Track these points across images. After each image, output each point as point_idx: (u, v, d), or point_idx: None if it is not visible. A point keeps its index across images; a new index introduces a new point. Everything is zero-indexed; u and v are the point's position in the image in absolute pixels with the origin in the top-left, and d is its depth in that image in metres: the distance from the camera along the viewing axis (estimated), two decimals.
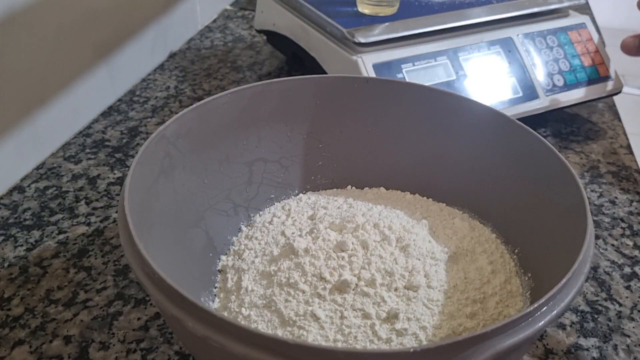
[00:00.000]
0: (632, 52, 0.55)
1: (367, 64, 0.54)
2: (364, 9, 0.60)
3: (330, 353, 0.24)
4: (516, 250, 0.41)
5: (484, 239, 0.42)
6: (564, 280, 0.28)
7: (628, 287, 0.46)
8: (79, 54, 0.59)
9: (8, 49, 0.49)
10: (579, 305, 0.44)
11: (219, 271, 0.41)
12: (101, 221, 0.49)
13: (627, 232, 0.51)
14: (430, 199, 0.46)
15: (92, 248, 0.47)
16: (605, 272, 0.47)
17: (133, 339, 0.39)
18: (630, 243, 0.50)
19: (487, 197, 0.44)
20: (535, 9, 0.64)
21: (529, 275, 0.39)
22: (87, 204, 0.51)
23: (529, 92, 0.59)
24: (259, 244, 0.41)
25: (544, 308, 0.28)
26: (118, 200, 0.52)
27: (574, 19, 0.65)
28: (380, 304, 0.35)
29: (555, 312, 0.28)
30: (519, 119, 0.41)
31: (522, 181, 0.41)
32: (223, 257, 0.41)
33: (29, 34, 0.51)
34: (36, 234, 0.48)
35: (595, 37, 0.65)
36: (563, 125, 0.66)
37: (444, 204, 0.46)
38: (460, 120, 0.44)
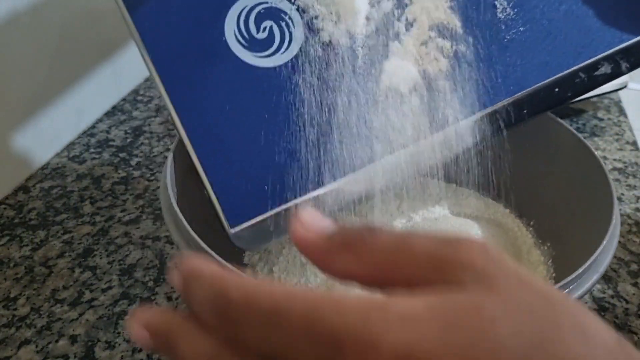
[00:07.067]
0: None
1: None
2: None
3: None
4: (531, 222, 0.42)
5: (500, 215, 0.43)
6: (593, 257, 0.29)
7: (635, 284, 0.45)
8: (83, 54, 0.59)
9: (12, 49, 0.49)
10: (586, 303, 0.44)
11: (245, 265, 0.40)
12: (106, 221, 0.49)
13: (634, 229, 0.51)
14: (442, 181, 0.47)
15: (97, 247, 0.47)
16: (612, 269, 0.47)
17: None
18: (637, 240, 0.50)
19: (498, 175, 0.44)
20: None
21: (548, 244, 0.39)
22: (92, 203, 0.51)
23: None
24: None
25: (572, 286, 0.29)
26: (122, 200, 0.52)
27: None
28: None
29: (584, 287, 0.29)
30: None
31: (533, 154, 0.42)
32: (247, 252, 0.41)
33: (33, 34, 0.51)
34: (41, 233, 0.48)
35: None
36: (568, 121, 0.65)
37: (455, 185, 0.46)
38: None
